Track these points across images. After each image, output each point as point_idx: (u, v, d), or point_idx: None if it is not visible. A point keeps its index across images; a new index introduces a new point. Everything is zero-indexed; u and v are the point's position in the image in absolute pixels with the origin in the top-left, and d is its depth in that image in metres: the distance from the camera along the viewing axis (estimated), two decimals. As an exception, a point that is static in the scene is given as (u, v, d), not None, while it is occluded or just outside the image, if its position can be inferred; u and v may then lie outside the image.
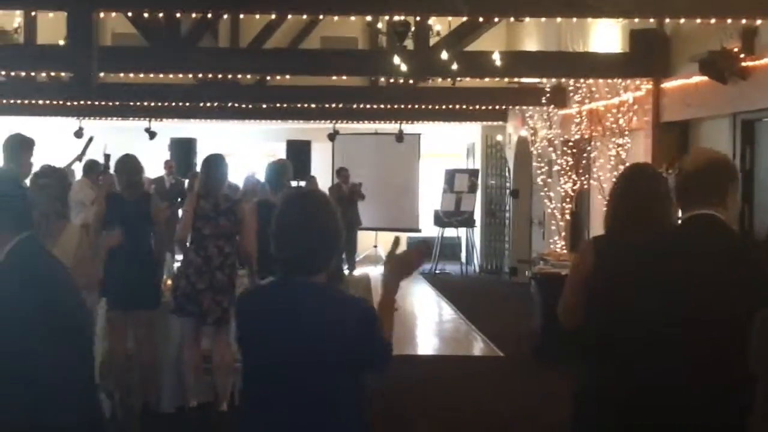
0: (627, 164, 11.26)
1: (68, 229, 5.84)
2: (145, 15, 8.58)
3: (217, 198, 7.68)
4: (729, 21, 8.11)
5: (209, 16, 10.03)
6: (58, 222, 5.72)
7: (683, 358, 3.34)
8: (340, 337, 3.15)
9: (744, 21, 8.09)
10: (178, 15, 9.11)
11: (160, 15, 8.26)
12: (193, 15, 9.57)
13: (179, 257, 8.88)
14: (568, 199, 14.28)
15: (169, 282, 8.23)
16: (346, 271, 17.06)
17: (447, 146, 22.77)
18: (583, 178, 13.79)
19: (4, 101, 15.36)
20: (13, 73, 12.69)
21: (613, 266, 3.87)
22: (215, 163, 7.85)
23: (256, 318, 3.27)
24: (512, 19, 6.09)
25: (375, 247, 20.37)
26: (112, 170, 12.83)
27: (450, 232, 20.07)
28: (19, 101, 15.35)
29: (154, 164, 17.42)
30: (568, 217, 14.41)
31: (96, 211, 7.77)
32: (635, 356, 3.47)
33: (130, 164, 7.95)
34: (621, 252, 3.83)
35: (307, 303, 3.19)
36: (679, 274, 3.47)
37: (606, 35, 11.85)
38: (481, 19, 8.82)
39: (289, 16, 12.23)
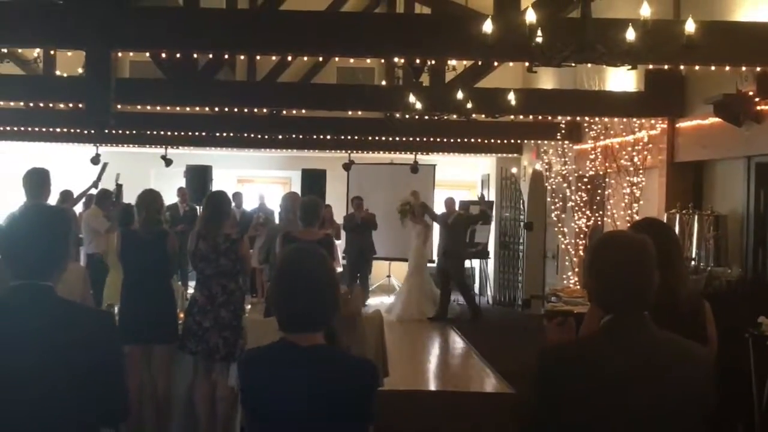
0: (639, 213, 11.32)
1: (72, 269, 5.81)
2: (163, 55, 8.65)
3: (216, 238, 7.71)
4: (743, 68, 8.12)
5: (225, 57, 10.13)
6: None
7: None
8: (344, 400, 3.22)
9: (759, 69, 8.10)
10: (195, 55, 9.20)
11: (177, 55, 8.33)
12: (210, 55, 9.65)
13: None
14: (581, 235, 14.27)
15: (182, 315, 8.28)
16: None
17: (462, 177, 22.80)
18: (597, 215, 13.79)
19: (23, 128, 15.50)
20: (32, 104, 12.81)
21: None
22: (216, 203, 7.87)
23: (258, 383, 3.31)
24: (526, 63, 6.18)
25: (388, 276, 20.37)
26: (124, 200, 13.01)
27: (464, 263, 20.05)
28: (37, 128, 15.48)
29: (170, 191, 17.54)
30: (581, 252, 14.38)
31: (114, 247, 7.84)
32: None
33: (151, 201, 7.95)
34: None
35: (309, 367, 3.24)
36: None
37: (621, 74, 11.85)
38: (495, 64, 8.86)
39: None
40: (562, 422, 3.00)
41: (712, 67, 7.94)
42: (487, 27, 5.71)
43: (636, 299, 3.07)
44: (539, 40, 5.35)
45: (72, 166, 18.88)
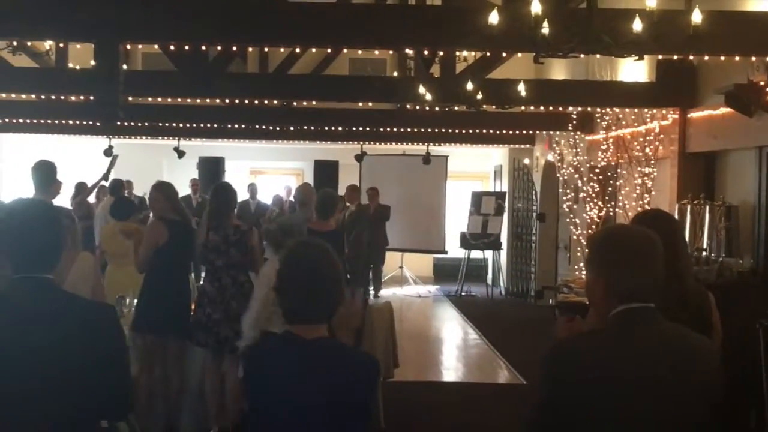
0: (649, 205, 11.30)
1: (81, 259, 5.81)
2: (172, 47, 8.66)
3: (227, 229, 7.71)
4: (754, 58, 8.08)
5: (234, 49, 10.13)
6: (68, 252, 5.72)
7: None
8: (345, 393, 3.24)
9: (768, 58, 8.06)
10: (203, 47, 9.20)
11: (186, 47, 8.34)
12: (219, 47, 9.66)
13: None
14: (593, 226, 14.23)
15: (193, 307, 8.30)
16: (372, 293, 17.03)
17: (474, 168, 22.79)
18: (609, 205, 13.75)
19: (36, 120, 15.55)
20: (44, 96, 12.86)
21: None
22: (222, 193, 7.87)
23: (261, 375, 3.33)
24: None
25: (401, 267, 20.39)
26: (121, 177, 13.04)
27: (476, 254, 20.06)
28: (50, 121, 15.53)
29: (183, 182, 17.60)
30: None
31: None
32: None
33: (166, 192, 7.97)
34: None
35: (315, 362, 3.26)
36: None
37: (633, 64, 11.81)
38: (504, 54, 8.84)
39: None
40: (568, 421, 2.94)
41: (722, 57, 7.90)
42: (493, 18, 5.71)
43: (647, 290, 3.02)
44: (545, 31, 5.34)
45: (85, 158, 18.95)
